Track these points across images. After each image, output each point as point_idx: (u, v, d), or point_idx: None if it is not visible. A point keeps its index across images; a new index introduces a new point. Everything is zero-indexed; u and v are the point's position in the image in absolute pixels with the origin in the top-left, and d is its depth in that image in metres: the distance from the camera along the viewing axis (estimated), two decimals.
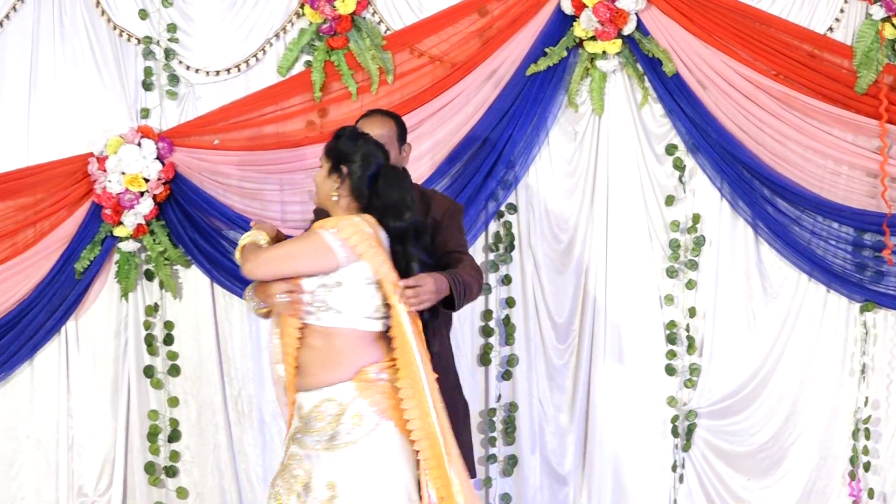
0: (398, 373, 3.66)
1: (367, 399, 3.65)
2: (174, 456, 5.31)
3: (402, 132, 4.21)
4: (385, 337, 3.72)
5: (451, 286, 3.89)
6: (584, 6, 5.11)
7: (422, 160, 5.22)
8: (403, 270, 3.75)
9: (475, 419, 5.18)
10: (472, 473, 4.23)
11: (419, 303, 3.74)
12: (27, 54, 5.26)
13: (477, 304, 5.26)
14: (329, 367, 3.66)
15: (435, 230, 4.10)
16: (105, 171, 5.14)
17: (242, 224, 5.11)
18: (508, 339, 5.31)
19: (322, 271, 3.66)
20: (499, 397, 5.31)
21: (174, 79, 5.28)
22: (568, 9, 5.15)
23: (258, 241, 3.80)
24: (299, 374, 3.72)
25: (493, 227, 5.28)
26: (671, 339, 5.29)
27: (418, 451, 3.65)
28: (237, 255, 3.78)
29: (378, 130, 4.07)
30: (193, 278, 5.31)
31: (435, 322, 3.91)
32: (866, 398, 5.26)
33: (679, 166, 5.25)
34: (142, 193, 5.14)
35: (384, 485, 3.64)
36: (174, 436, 5.30)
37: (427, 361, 3.70)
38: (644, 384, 5.30)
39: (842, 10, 5.21)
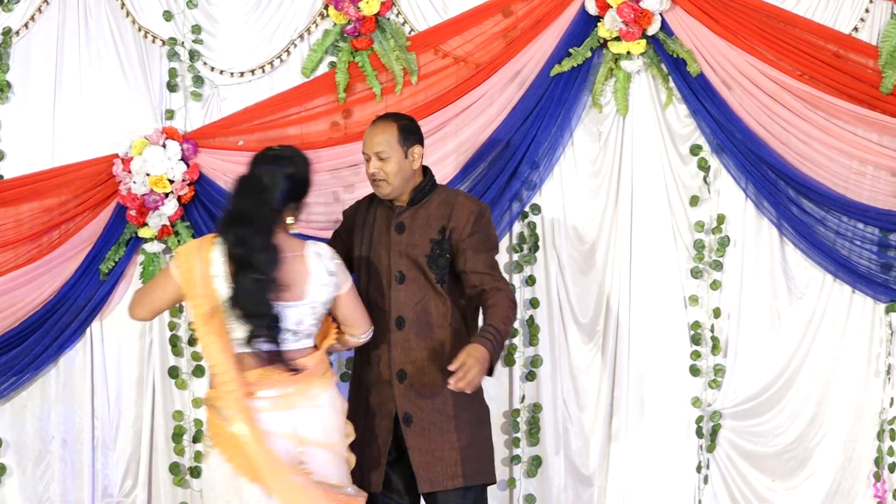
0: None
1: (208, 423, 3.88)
2: (199, 456, 5.25)
3: (405, 134, 4.19)
4: None
5: (492, 353, 3.96)
6: (609, 6, 5.10)
7: (446, 161, 5.21)
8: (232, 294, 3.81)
9: (498, 420, 5.20)
10: (492, 478, 4.29)
11: (469, 385, 3.82)
12: (52, 56, 5.25)
13: None
14: None
15: (456, 245, 4.14)
16: (130, 172, 5.11)
17: None
18: (532, 339, 5.28)
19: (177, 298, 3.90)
20: (522, 398, 5.29)
21: (199, 80, 5.26)
22: (592, 9, 5.14)
23: None
24: None
25: (518, 227, 5.27)
26: (696, 339, 5.27)
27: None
28: None
29: (377, 137, 4.16)
30: None
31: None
32: (892, 399, 5.26)
33: (703, 167, 5.24)
34: (166, 195, 5.11)
35: None
36: (199, 436, 5.24)
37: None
38: (668, 385, 5.28)
39: (867, 10, 5.20)
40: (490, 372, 4.03)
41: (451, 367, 3.79)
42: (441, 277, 4.18)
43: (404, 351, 4.16)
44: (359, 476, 4.12)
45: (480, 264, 4.15)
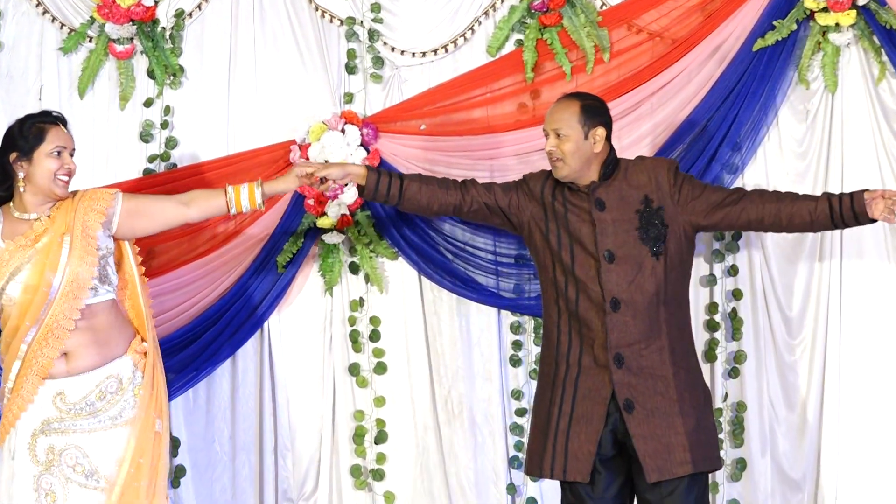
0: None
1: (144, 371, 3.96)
2: (381, 458, 5.15)
3: (588, 114, 4.13)
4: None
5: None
6: None
7: (641, 143, 5.03)
8: None
9: None
10: (720, 464, 4.24)
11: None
12: (226, 38, 5.18)
13: (701, 297, 5.09)
14: (103, 345, 3.93)
15: (675, 207, 4.10)
16: (308, 159, 5.00)
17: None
18: (735, 334, 5.08)
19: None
20: (725, 396, 5.08)
21: (378, 61, 5.15)
22: None
23: None
24: (62, 362, 3.92)
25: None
26: None
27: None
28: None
29: (558, 113, 4.13)
30: (400, 271, 5.15)
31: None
32: None
33: None
34: (346, 183, 4.80)
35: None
36: (381, 437, 5.15)
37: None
38: (888, 385, 5.02)
39: None
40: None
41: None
42: (656, 249, 4.08)
43: (622, 334, 4.06)
44: (561, 462, 4.07)
45: (714, 195, 4.16)
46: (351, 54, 5.15)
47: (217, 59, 5.20)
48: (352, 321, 5.17)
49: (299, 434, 5.19)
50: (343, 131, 5.03)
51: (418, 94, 5.13)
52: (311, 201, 5.01)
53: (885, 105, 5.01)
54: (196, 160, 5.15)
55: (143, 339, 4.11)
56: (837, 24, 4.91)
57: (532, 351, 5.09)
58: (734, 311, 5.08)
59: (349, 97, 5.15)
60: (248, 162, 5.09)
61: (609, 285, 4.07)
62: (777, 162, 5.07)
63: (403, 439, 5.17)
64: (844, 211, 4.06)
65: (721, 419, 5.04)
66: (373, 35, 5.14)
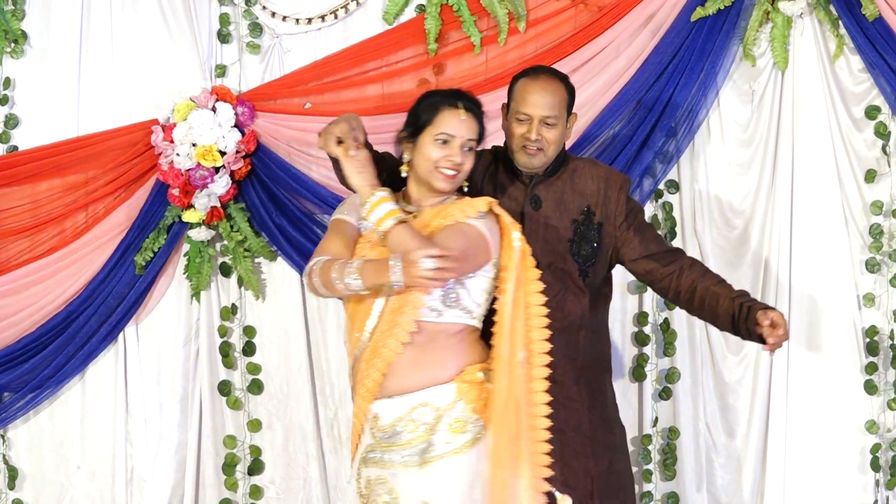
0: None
1: (471, 403, 3.44)
2: (255, 492, 4.97)
3: (571, 100, 3.89)
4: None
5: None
6: None
7: None
8: None
9: None
10: None
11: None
12: (77, 1, 4.95)
13: (629, 305, 4.91)
14: (425, 367, 3.42)
15: (612, 233, 3.86)
16: (172, 142, 4.82)
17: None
18: (668, 349, 4.90)
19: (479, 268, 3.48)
20: (655, 421, 4.88)
21: (256, 28, 4.93)
22: None
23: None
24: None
25: (650, 209, 4.88)
26: (872, 349, 4.80)
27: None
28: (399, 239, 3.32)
29: (549, 98, 3.78)
30: (279, 274, 4.96)
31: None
32: None
33: (882, 133, 4.77)
34: (217, 169, 4.81)
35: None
36: (255, 467, 4.97)
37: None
38: (837, 405, 4.86)
39: None
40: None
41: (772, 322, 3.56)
42: (584, 268, 3.83)
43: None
44: None
45: (654, 244, 3.88)
46: (224, 20, 4.93)
47: (66, 24, 4.99)
48: (222, 332, 4.98)
49: (159, 463, 5.01)
50: (214, 110, 4.84)
51: (303, 68, 4.94)
52: (175, 191, 4.84)
53: (842, 85, 4.84)
54: (41, 142, 4.96)
55: None
56: None
57: None
58: (666, 322, 4.91)
59: (221, 70, 4.94)
60: (102, 145, 4.91)
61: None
62: (718, 150, 4.90)
63: (282, 470, 5.00)
64: (741, 321, 3.75)
65: (650, 447, 4.89)
66: None
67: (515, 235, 3.45)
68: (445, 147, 3.44)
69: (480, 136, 3.51)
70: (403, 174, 3.50)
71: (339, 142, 3.43)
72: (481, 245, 3.41)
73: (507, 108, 3.88)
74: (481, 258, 3.40)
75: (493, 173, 3.91)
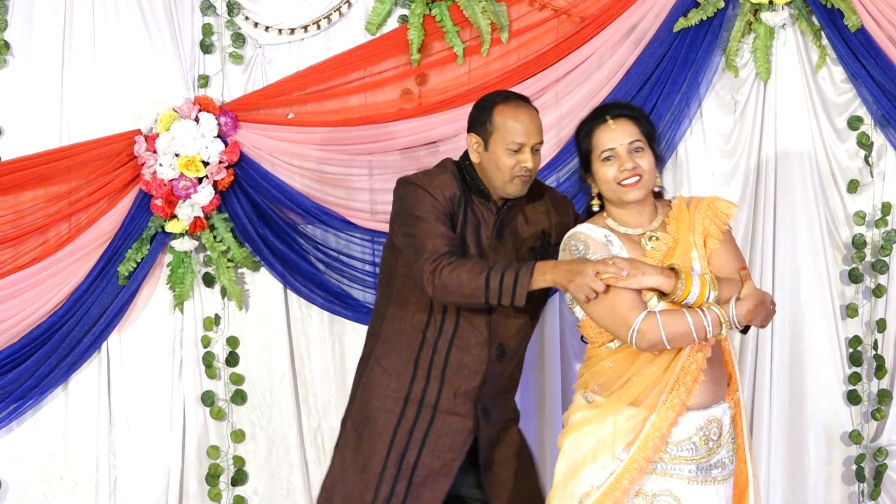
0: None
1: (742, 420, 3.55)
2: (239, 502, 4.95)
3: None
4: None
5: None
6: None
7: (546, 136, 4.57)
8: None
9: None
10: None
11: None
12: (60, 9, 4.89)
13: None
14: (719, 380, 3.46)
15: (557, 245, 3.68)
16: (155, 152, 4.81)
17: (323, 216, 4.84)
18: None
19: None
20: None
21: (239, 38, 4.89)
22: None
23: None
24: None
25: None
26: (854, 359, 4.83)
27: None
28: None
29: (537, 126, 3.70)
30: (262, 284, 4.93)
31: None
32: None
33: (865, 144, 4.80)
34: (200, 180, 4.80)
35: None
36: (239, 478, 4.94)
37: None
38: (819, 415, 4.88)
39: None
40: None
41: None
42: (539, 294, 3.64)
43: (496, 384, 3.78)
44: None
45: None
46: (206, 30, 4.90)
47: (49, 34, 4.94)
48: (206, 342, 4.95)
49: (142, 474, 4.98)
50: (197, 120, 4.82)
51: (285, 78, 4.91)
52: (158, 201, 4.81)
53: (824, 96, 4.84)
54: (24, 152, 4.91)
55: None
56: (771, 2, 4.72)
57: None
58: None
59: (204, 80, 4.91)
60: (85, 155, 4.87)
61: (499, 329, 3.71)
62: (700, 160, 4.89)
63: (265, 480, 4.97)
64: None
65: None
66: (232, 8, 4.88)
67: None
68: (614, 161, 3.40)
69: (645, 132, 3.42)
70: (595, 208, 3.46)
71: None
72: None
73: (482, 137, 3.65)
74: None
75: (463, 197, 3.71)
